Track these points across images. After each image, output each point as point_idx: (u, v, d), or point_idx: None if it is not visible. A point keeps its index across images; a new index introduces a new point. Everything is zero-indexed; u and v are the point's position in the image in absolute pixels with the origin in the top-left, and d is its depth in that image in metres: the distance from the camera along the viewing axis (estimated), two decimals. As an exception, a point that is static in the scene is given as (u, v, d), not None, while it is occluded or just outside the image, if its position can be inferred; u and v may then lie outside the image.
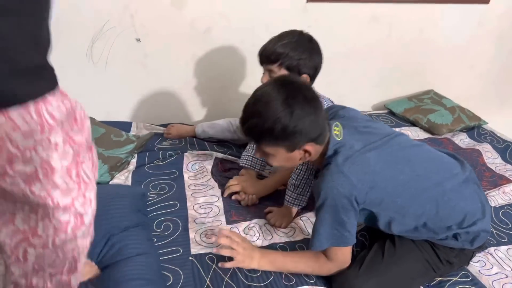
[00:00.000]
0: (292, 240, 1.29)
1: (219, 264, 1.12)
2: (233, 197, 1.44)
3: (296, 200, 1.38)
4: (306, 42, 1.48)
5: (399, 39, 2.14)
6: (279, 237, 1.30)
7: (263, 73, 1.45)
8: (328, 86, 2.16)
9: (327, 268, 1.14)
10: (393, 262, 1.13)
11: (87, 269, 1.05)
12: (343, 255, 1.13)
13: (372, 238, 1.26)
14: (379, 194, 1.08)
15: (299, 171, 1.37)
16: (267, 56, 1.41)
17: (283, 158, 1.10)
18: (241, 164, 1.54)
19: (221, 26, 1.83)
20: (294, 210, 1.38)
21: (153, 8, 1.71)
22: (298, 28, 1.94)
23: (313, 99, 1.05)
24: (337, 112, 1.23)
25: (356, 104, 2.24)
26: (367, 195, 1.07)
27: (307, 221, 1.36)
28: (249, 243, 1.19)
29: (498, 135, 2.05)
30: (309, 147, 1.07)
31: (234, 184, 1.44)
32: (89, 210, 0.76)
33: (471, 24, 2.22)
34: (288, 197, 1.38)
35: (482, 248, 1.26)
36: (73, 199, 0.71)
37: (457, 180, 1.16)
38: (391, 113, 2.18)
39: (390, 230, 1.15)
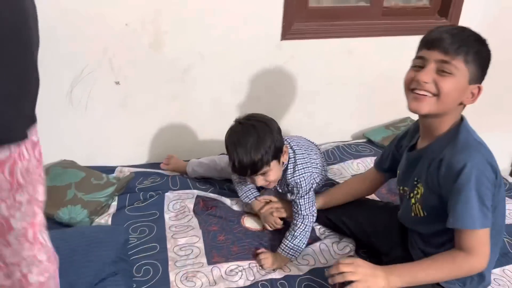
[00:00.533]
0: (277, 276, 1.29)
1: None
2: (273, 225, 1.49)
3: (292, 251, 1.37)
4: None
5: (373, 70, 2.21)
6: (261, 275, 1.30)
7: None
8: (308, 117, 2.21)
9: (468, 265, 1.02)
10: None
11: None
12: (482, 243, 1.01)
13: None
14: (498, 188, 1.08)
15: (301, 223, 1.40)
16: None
17: (459, 85, 1.09)
18: (249, 201, 1.56)
19: (199, 65, 1.87)
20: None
21: (131, 51, 1.75)
22: (274, 64, 2.01)
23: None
24: None
25: (337, 134, 2.31)
26: (496, 182, 1.06)
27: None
28: (366, 262, 1.06)
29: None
30: (481, 87, 1.13)
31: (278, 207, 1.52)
32: (42, 274, 0.74)
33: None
34: (284, 246, 1.38)
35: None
36: (22, 259, 0.70)
37: None
38: (370, 142, 2.22)
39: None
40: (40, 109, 1.72)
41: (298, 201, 1.42)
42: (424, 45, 1.14)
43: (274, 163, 1.36)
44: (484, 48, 1.09)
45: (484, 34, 2.29)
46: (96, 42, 1.69)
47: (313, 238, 1.49)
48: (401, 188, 1.29)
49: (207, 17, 1.79)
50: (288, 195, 1.48)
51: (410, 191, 1.22)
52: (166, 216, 1.52)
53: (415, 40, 2.19)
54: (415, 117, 2.39)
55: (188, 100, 1.94)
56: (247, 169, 1.32)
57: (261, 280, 1.27)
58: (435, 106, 1.10)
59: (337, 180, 1.82)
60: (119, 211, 1.53)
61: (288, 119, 2.14)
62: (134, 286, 1.21)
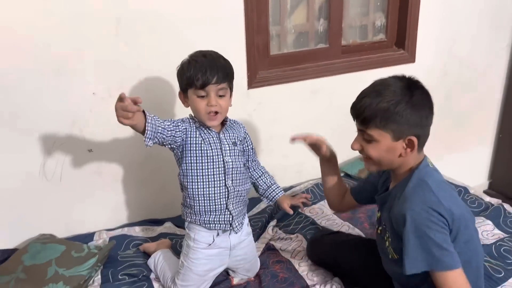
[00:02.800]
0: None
1: None
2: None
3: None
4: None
5: (341, 107, 2.25)
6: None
7: None
8: (283, 158, 2.25)
9: None
10: None
11: None
12: (456, 283, 1.03)
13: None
14: (460, 228, 1.08)
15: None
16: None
17: (385, 147, 1.13)
18: None
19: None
20: None
21: (101, 118, 1.77)
22: (244, 112, 2.06)
23: (430, 98, 1.15)
24: None
25: (313, 171, 2.33)
26: (456, 211, 1.07)
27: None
28: None
29: (450, 181, 2.15)
30: (414, 139, 1.11)
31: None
32: None
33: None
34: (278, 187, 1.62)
35: None
36: None
37: None
38: (347, 175, 2.26)
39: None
40: (14, 188, 1.74)
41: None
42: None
43: (229, 92, 1.40)
44: (400, 103, 1.09)
45: (441, 59, 2.40)
46: (64, 115, 1.71)
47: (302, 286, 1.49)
48: (378, 228, 1.32)
49: (174, 78, 1.83)
50: (237, 144, 1.46)
51: (383, 233, 1.25)
52: (156, 285, 1.52)
53: (376, 73, 2.30)
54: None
55: (161, 158, 1.95)
56: (218, 71, 1.31)
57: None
58: (378, 166, 1.19)
59: (320, 222, 1.84)
60: (106, 284, 1.51)
61: (265, 161, 2.16)
62: None
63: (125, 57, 1.74)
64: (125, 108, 1.15)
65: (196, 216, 1.42)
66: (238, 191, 1.44)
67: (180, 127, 1.36)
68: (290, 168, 2.29)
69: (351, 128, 2.37)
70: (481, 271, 1.21)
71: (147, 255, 1.67)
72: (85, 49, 1.67)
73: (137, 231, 1.85)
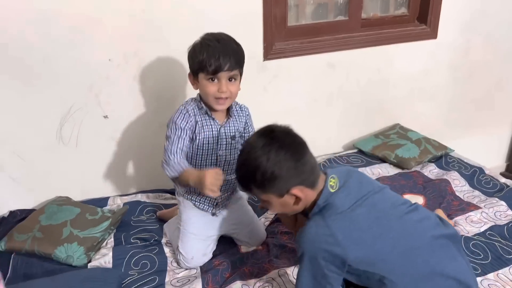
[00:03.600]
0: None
1: None
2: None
3: None
4: None
5: (358, 81, 2.24)
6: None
7: None
8: (298, 132, 2.24)
9: None
10: None
11: None
12: None
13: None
14: (366, 252, 1.09)
15: None
16: None
17: (278, 204, 1.16)
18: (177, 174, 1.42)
19: (183, 93, 1.91)
20: None
21: (116, 85, 1.79)
22: (260, 85, 2.04)
23: (293, 144, 1.12)
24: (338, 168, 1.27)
25: (327, 146, 2.33)
26: (353, 252, 1.08)
27: (284, 276, 1.38)
28: None
29: (465, 161, 2.12)
30: (296, 191, 1.11)
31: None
32: None
33: (424, 58, 2.34)
34: None
35: None
36: None
37: (443, 240, 1.18)
38: (361, 151, 2.24)
39: None
40: (33, 149, 1.78)
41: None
42: None
43: (239, 77, 1.41)
44: (261, 168, 1.09)
45: (463, 36, 2.31)
46: (81, 80, 1.73)
47: None
48: None
49: (188, 46, 1.82)
50: (236, 137, 1.47)
51: None
52: (167, 250, 1.55)
53: (396, 49, 2.26)
54: (404, 124, 2.44)
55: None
56: (230, 58, 1.31)
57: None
58: (290, 213, 1.31)
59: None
60: (117, 246, 1.55)
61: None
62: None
63: (142, 26, 1.73)
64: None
65: (183, 193, 1.51)
66: (227, 180, 1.46)
67: (188, 131, 1.39)
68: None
69: (366, 104, 2.36)
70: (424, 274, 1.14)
71: (162, 221, 1.71)
72: (102, 15, 1.67)
73: (150, 198, 1.88)
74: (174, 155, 1.36)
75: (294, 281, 1.34)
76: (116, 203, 1.83)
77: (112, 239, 1.60)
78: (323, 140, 2.31)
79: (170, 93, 1.88)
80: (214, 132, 1.43)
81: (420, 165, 2.10)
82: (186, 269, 1.48)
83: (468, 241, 1.53)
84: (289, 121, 2.15)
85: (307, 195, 1.13)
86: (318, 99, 2.19)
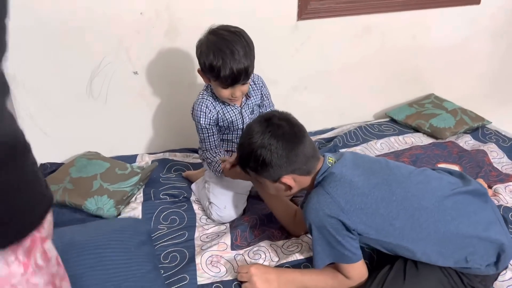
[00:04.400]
0: (299, 258, 1.28)
1: None
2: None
3: None
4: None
5: (394, 47, 2.15)
6: (286, 255, 1.30)
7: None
8: (327, 99, 2.18)
9: (347, 284, 1.14)
10: (415, 283, 1.11)
11: None
12: (356, 271, 1.12)
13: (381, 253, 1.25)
14: (372, 217, 1.08)
15: None
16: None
17: (272, 188, 1.19)
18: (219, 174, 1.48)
19: (215, 51, 1.86)
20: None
21: (147, 40, 1.75)
22: (291, 46, 1.98)
23: (288, 134, 1.11)
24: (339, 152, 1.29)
25: (357, 115, 2.26)
26: (359, 218, 1.07)
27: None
28: (260, 266, 1.19)
29: (503, 133, 2.03)
30: (286, 180, 1.13)
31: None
32: None
33: (464, 26, 2.22)
34: None
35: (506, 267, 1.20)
36: None
37: (460, 196, 1.14)
38: (393, 120, 2.17)
39: (405, 257, 1.14)
40: (63, 103, 1.78)
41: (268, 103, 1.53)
42: None
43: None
44: (250, 160, 1.13)
45: (509, 2, 2.16)
46: (111, 33, 1.70)
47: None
48: None
49: (222, 1, 1.77)
50: (255, 110, 1.50)
51: None
52: (195, 206, 1.55)
53: (436, 14, 2.15)
54: (439, 93, 2.34)
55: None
56: (241, 75, 1.30)
57: (287, 262, 1.27)
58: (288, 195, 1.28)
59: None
60: (147, 201, 1.54)
61: (308, 101, 2.11)
62: (162, 271, 1.22)
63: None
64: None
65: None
66: None
67: (213, 127, 1.45)
68: (333, 110, 2.22)
69: (399, 72, 2.27)
70: (440, 237, 1.11)
71: (189, 181, 1.70)
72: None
73: (177, 157, 1.87)
74: (213, 152, 1.48)
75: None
76: (144, 160, 1.83)
77: (141, 194, 1.59)
78: (353, 108, 2.25)
79: (201, 51, 1.84)
80: (236, 115, 1.46)
81: (455, 135, 2.02)
82: (218, 223, 1.47)
83: (507, 211, 1.47)
84: (319, 86, 2.12)
85: (299, 181, 1.15)
86: (350, 64, 2.12)
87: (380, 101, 2.30)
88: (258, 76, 1.53)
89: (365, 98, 2.25)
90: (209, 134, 1.46)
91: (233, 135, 1.52)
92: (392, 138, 2.00)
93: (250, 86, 1.47)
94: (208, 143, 1.47)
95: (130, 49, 1.75)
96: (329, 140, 2.01)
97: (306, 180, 1.17)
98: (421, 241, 1.10)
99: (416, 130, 2.08)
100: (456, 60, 2.30)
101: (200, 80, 1.90)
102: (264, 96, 1.54)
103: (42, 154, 1.81)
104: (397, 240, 1.10)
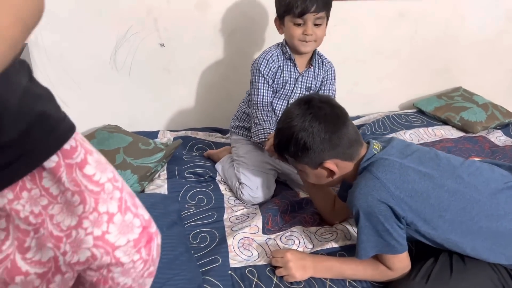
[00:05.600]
0: (334, 246, 1.22)
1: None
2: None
3: None
4: None
5: (426, 36, 2.08)
6: (320, 242, 1.24)
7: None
8: (355, 85, 2.11)
9: (388, 275, 1.08)
10: (463, 278, 1.04)
11: None
12: (400, 263, 1.07)
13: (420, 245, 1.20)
14: (421, 207, 1.02)
15: None
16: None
17: (312, 175, 1.13)
18: (259, 140, 1.42)
19: (245, 27, 1.78)
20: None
21: (176, 11, 1.67)
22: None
23: (330, 116, 1.06)
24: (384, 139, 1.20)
25: (383, 103, 2.20)
26: (408, 206, 1.01)
27: (346, 225, 1.29)
28: (296, 252, 1.14)
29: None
30: (329, 164, 1.07)
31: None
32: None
33: (499, 19, 2.15)
34: None
35: None
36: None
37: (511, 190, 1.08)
38: (420, 111, 2.11)
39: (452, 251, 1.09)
40: (85, 73, 1.70)
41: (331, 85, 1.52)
42: None
43: (326, 21, 1.39)
44: (291, 145, 1.08)
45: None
46: (140, 3, 1.61)
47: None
48: None
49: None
50: (312, 89, 1.49)
51: None
52: (222, 187, 1.48)
53: (472, 3, 2.07)
54: (467, 87, 2.27)
55: (232, 65, 1.85)
56: (313, 2, 1.29)
57: (323, 250, 1.21)
58: (329, 186, 1.25)
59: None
60: (172, 179, 1.48)
61: (336, 85, 2.04)
62: (192, 252, 1.16)
63: None
64: None
65: (241, 131, 1.52)
66: None
67: (270, 79, 1.41)
68: (359, 97, 2.15)
69: (430, 63, 2.20)
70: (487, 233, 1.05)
71: (211, 161, 1.63)
72: None
73: (200, 136, 1.80)
74: (264, 112, 1.39)
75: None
76: (166, 137, 1.76)
77: (165, 171, 1.52)
78: (381, 96, 2.18)
79: (232, 26, 1.76)
80: (292, 79, 1.44)
81: (485, 130, 1.96)
82: (249, 204, 1.41)
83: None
84: (346, 72, 2.04)
85: (342, 167, 1.09)
86: (381, 51, 2.04)
87: (407, 91, 2.23)
88: (330, 62, 1.53)
89: (392, 88, 2.18)
90: (265, 86, 1.40)
91: (276, 104, 1.45)
92: (421, 130, 1.93)
93: (316, 62, 1.47)
94: (261, 97, 1.40)
95: (159, 20, 1.67)
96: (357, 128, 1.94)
97: (348, 166, 1.10)
98: (471, 235, 1.04)
99: (445, 122, 2.02)
100: (488, 54, 2.23)
101: (227, 59, 1.83)
102: (329, 85, 1.52)
103: (60, 124, 1.73)
104: (446, 233, 1.05)
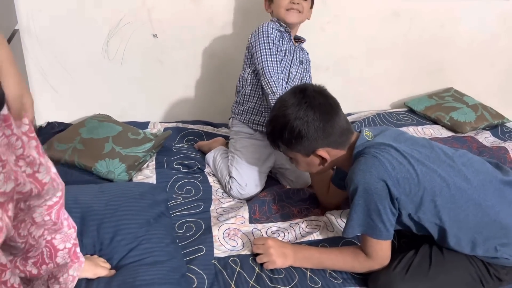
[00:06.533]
0: (316, 238, 1.24)
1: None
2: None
3: None
4: None
5: (420, 35, 2.09)
6: (305, 232, 1.25)
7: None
8: (347, 83, 2.11)
9: (368, 265, 1.09)
10: (441, 270, 1.07)
11: (99, 269, 1.01)
12: (381, 251, 1.07)
13: (402, 237, 1.22)
14: (415, 188, 1.04)
15: None
16: None
17: (304, 163, 1.16)
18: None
19: (239, 22, 1.79)
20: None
21: (170, 3, 1.67)
22: (317, 24, 1.90)
23: (324, 105, 1.09)
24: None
25: (374, 102, 2.21)
26: (402, 188, 1.03)
27: (332, 217, 1.31)
28: (278, 240, 1.15)
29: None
30: (322, 152, 1.10)
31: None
32: None
33: (492, 21, 2.16)
34: None
35: None
36: None
37: (499, 184, 1.10)
38: (411, 111, 2.12)
39: (434, 240, 1.10)
40: (77, 61, 1.70)
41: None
42: None
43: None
44: (285, 133, 1.10)
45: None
46: (135, -10, 1.62)
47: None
48: None
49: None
50: (299, 64, 1.54)
51: None
52: (210, 179, 1.49)
53: (467, 5, 2.08)
54: (459, 88, 2.28)
55: (225, 59, 1.86)
56: None
57: (304, 242, 1.22)
58: (319, 174, 1.26)
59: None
60: (160, 169, 1.48)
61: (328, 83, 2.03)
62: (177, 241, 1.17)
63: None
64: None
65: (244, 115, 1.49)
66: None
67: (276, 45, 1.43)
68: (351, 95, 2.15)
69: (422, 62, 2.21)
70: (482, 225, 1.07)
71: (202, 152, 1.64)
72: None
73: (191, 127, 1.80)
74: (278, 80, 1.38)
75: (342, 223, 1.28)
76: (157, 127, 1.76)
77: (154, 161, 1.53)
78: (372, 94, 2.19)
79: (225, 19, 1.76)
80: (290, 50, 1.49)
81: (474, 131, 1.98)
82: (236, 198, 1.42)
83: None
84: (339, 69, 2.05)
85: (333, 155, 1.12)
86: (375, 49, 2.05)
87: (398, 91, 2.24)
88: (307, 51, 1.62)
89: (384, 85, 2.20)
90: (274, 54, 1.40)
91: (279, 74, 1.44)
92: (411, 128, 1.95)
93: (298, 45, 1.54)
94: (272, 67, 1.38)
95: (152, 10, 1.67)
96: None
97: (339, 154, 1.13)
98: (457, 224, 1.06)
99: (435, 122, 2.03)
100: (480, 56, 2.24)
101: (220, 52, 1.83)
102: (308, 66, 1.60)
103: (51, 112, 1.73)
104: (434, 218, 1.06)
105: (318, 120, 1.06)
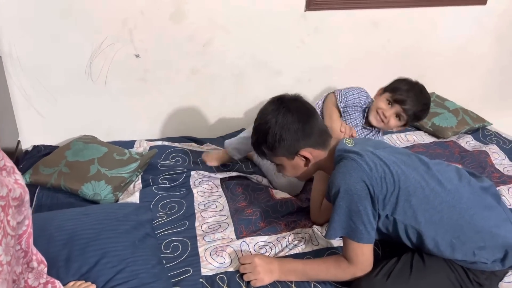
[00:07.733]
0: (301, 251, 1.26)
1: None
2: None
3: None
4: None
5: (399, 44, 2.13)
6: (291, 246, 1.27)
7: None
8: (329, 92, 2.14)
9: (350, 272, 1.12)
10: (421, 276, 1.10)
11: None
12: (363, 255, 1.10)
13: (385, 246, 1.24)
14: (391, 187, 1.08)
15: None
16: None
17: (289, 166, 1.21)
18: None
19: (220, 38, 1.81)
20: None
21: (151, 22, 1.69)
22: (297, 37, 1.94)
23: (300, 109, 1.17)
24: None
25: (358, 110, 2.23)
26: (380, 187, 1.07)
27: (318, 231, 1.32)
28: (264, 257, 1.18)
29: (504, 135, 2.03)
30: (305, 152, 1.16)
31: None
32: None
33: (469, 26, 2.21)
34: None
35: None
36: None
37: (474, 189, 1.14)
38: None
39: (414, 245, 1.13)
40: (61, 84, 1.71)
41: None
42: None
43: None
44: (268, 138, 1.15)
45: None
46: (116, 13, 1.63)
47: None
48: None
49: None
50: None
51: None
52: (195, 191, 1.50)
53: (442, 12, 2.13)
54: (440, 92, 2.33)
55: (208, 74, 1.88)
56: None
57: (290, 255, 1.24)
58: (303, 179, 1.34)
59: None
60: (146, 188, 1.49)
61: (311, 94, 2.08)
62: (164, 262, 1.18)
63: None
64: None
65: None
66: None
67: None
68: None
69: (403, 69, 2.23)
70: (462, 225, 1.11)
71: (189, 164, 1.65)
72: None
73: (176, 146, 1.81)
74: None
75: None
76: (142, 146, 1.77)
77: (140, 181, 1.54)
78: (355, 103, 2.21)
79: (206, 36, 1.79)
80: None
81: (456, 135, 2.02)
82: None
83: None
84: (323, 79, 2.08)
85: (316, 156, 1.18)
86: (355, 59, 2.09)
87: (381, 98, 2.27)
88: None
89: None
90: None
91: None
92: (394, 135, 1.98)
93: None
94: None
95: (134, 31, 1.69)
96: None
97: (321, 155, 1.18)
98: (433, 225, 1.09)
99: (417, 128, 2.07)
100: (459, 61, 2.29)
101: (203, 68, 1.85)
102: None
103: (37, 136, 1.74)
104: (410, 220, 1.09)
105: (296, 122, 1.13)
